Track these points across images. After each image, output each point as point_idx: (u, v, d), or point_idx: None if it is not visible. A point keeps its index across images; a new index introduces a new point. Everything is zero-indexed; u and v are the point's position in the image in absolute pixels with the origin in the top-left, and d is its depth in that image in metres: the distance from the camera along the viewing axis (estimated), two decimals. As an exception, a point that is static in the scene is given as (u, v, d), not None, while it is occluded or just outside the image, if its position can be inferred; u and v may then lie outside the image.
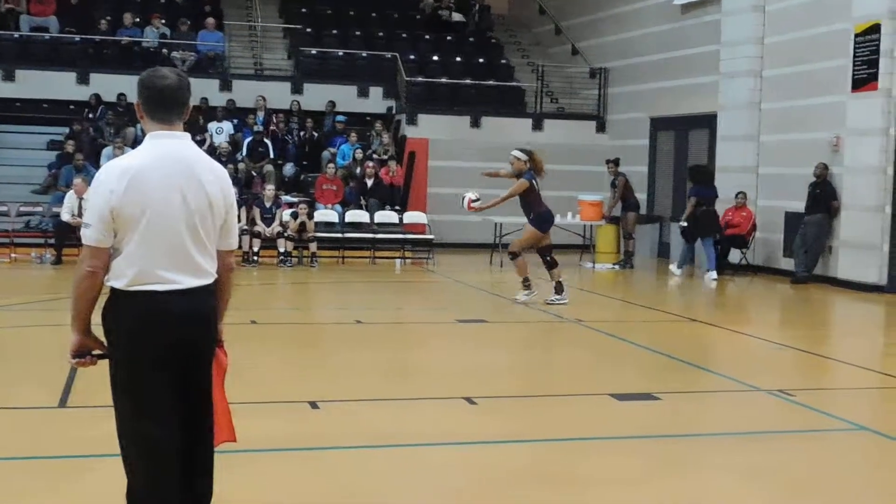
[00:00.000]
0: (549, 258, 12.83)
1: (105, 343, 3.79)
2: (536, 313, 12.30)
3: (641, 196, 19.80)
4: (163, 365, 3.72)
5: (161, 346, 3.71)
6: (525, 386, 8.29)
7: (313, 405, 7.08)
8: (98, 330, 3.76)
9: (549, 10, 26.15)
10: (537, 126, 22.43)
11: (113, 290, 3.71)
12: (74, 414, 6.79)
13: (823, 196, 15.77)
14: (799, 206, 16.21)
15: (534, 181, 12.61)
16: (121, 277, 3.68)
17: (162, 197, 3.69)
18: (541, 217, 12.68)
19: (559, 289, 12.79)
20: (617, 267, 18.31)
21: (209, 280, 3.83)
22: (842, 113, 15.62)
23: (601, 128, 22.87)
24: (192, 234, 3.75)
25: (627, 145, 21.35)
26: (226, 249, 3.96)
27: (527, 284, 12.81)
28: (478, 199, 13.13)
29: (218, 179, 3.86)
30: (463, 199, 13.24)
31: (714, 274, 16.35)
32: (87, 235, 3.68)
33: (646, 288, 16.70)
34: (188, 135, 3.91)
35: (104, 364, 3.81)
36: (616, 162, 18.83)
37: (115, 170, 3.71)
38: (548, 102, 23.66)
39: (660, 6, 20.85)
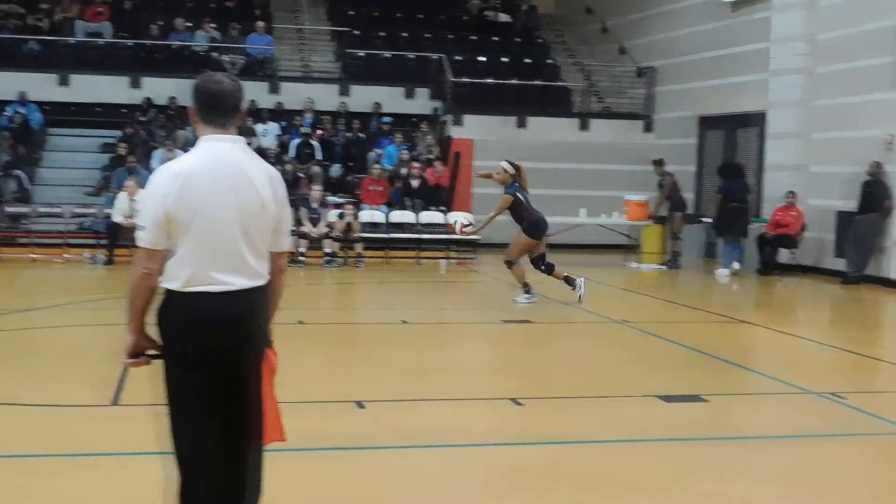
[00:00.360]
0: (542, 266, 12.84)
1: (159, 343, 3.87)
2: (581, 314, 12.29)
3: (689, 196, 19.68)
4: (213, 365, 3.78)
5: (212, 347, 3.76)
6: (571, 387, 8.28)
7: (359, 405, 7.14)
8: (151, 331, 3.83)
9: (596, 9, 26.08)
10: (583, 126, 22.39)
11: (167, 291, 3.77)
12: (126, 412, 6.89)
13: (876, 195, 15.57)
14: (850, 205, 16.02)
15: (518, 194, 12.62)
16: (175, 279, 3.75)
17: (215, 200, 3.74)
18: (533, 225, 12.68)
19: (570, 282, 12.82)
20: (664, 267, 18.21)
21: (262, 281, 3.88)
22: (895, 110, 15.41)
23: (648, 127, 22.77)
24: (244, 237, 3.80)
25: (675, 144, 21.23)
26: (278, 251, 4.00)
27: (527, 289, 12.84)
28: (469, 224, 13.47)
29: (270, 182, 3.90)
30: (455, 223, 13.70)
31: (726, 272, 16.41)
32: (142, 238, 3.75)
33: (692, 288, 16.60)
34: (241, 138, 3.97)
35: (156, 362, 3.88)
36: (660, 163, 18.73)
37: (169, 173, 3.78)
38: (594, 102, 23.60)
39: (708, 3, 20.71)
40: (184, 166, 3.81)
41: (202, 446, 3.82)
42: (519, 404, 7.31)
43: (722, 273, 16.84)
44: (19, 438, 6.24)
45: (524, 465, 5.93)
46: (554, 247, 18.26)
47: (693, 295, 15.65)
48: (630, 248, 19.55)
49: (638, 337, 10.91)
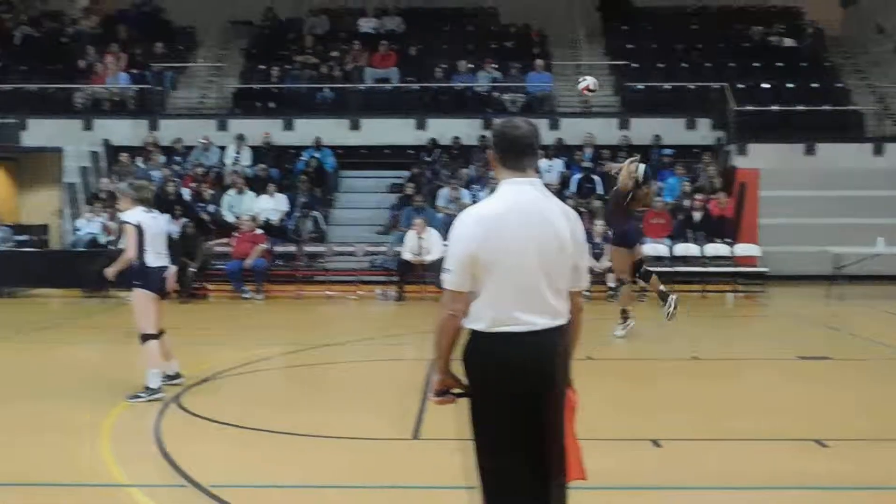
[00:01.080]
0: (639, 273, 12.23)
1: (465, 382, 3.98)
2: (883, 349, 11.57)
3: None
4: (518, 403, 3.86)
5: (515, 386, 3.84)
6: (880, 429, 7.77)
7: (655, 443, 7.03)
8: (457, 370, 3.95)
9: (889, 29, 24.65)
10: (878, 151, 21.20)
11: (472, 331, 3.88)
12: (428, 446, 7.09)
13: None
14: None
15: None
16: (480, 320, 3.86)
17: (517, 242, 3.83)
18: (621, 235, 12.24)
19: (663, 297, 11.98)
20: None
21: (563, 320, 3.93)
22: None
23: (951, 149, 21.22)
24: (545, 277, 3.87)
25: (983, 167, 19.68)
26: (576, 290, 4.04)
27: (625, 316, 12.33)
28: (589, 87, 11.95)
29: (570, 223, 3.96)
30: (584, 80, 12.10)
31: None
32: (448, 280, 3.89)
33: None
34: (539, 180, 4.05)
35: (460, 400, 3.99)
36: None
37: (473, 218, 3.90)
38: (889, 125, 22.28)
39: None
40: (487, 210, 3.92)
41: (509, 482, 3.89)
42: (824, 446, 6.96)
43: None
44: (328, 469, 6.57)
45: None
46: (850, 279, 17.44)
47: None
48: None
49: (950, 375, 10.14)
